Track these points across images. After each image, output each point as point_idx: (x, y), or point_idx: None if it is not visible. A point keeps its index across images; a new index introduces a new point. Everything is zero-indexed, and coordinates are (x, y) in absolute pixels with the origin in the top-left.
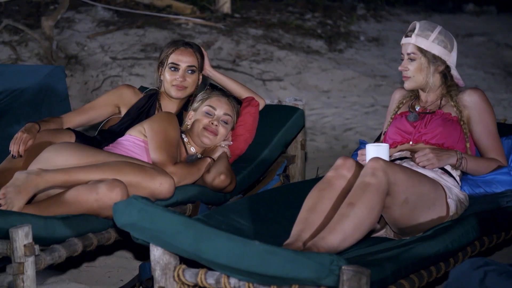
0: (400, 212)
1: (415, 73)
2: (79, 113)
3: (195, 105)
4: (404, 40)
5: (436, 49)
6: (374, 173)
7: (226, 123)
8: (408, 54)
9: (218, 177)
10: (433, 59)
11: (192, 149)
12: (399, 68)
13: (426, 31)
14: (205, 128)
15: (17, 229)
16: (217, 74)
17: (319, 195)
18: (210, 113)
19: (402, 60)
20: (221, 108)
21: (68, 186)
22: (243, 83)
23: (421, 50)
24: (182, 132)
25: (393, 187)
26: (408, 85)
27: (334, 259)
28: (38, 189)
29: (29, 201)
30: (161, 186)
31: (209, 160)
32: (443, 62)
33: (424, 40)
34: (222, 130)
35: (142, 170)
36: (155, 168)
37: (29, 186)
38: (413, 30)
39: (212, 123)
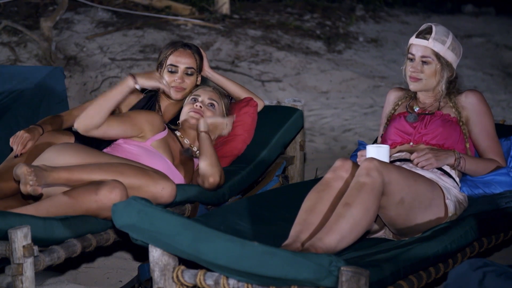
0: (397, 212)
1: (428, 76)
2: (78, 111)
3: (185, 101)
4: (418, 41)
5: (450, 56)
6: (368, 173)
7: (212, 107)
8: (424, 57)
9: (207, 181)
10: (446, 65)
11: (186, 141)
12: (410, 68)
13: (442, 36)
14: (190, 111)
15: (16, 230)
16: (216, 75)
17: (318, 196)
18: (195, 100)
19: (411, 60)
20: (205, 95)
21: (70, 185)
22: (242, 84)
23: (437, 55)
24: (175, 129)
25: (388, 187)
26: (415, 86)
27: (333, 260)
28: (46, 182)
29: (27, 199)
30: (163, 190)
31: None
32: (453, 69)
33: (441, 46)
34: (208, 114)
35: (145, 174)
36: (158, 172)
37: (40, 176)
38: (429, 33)
39: (196, 105)
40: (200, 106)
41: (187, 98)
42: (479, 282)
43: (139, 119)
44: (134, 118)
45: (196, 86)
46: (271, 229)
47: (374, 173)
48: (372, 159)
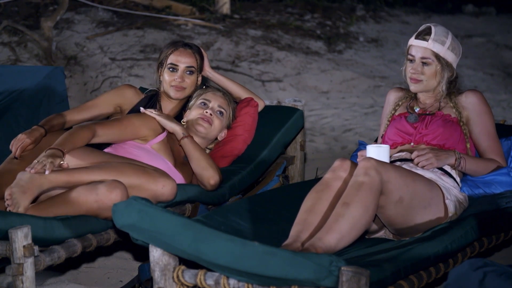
0: (396, 211)
1: (428, 77)
2: (80, 110)
3: (191, 102)
4: (417, 43)
5: (450, 56)
6: (366, 172)
7: (221, 114)
8: (424, 58)
9: (208, 184)
10: (446, 66)
11: None
12: (410, 70)
13: (442, 37)
14: (199, 118)
15: (17, 230)
16: (216, 75)
17: (317, 196)
18: (204, 104)
19: (410, 61)
20: (215, 101)
21: (70, 187)
22: (242, 84)
23: (436, 56)
24: None
25: (387, 186)
26: (416, 88)
27: (333, 260)
28: (42, 189)
29: (33, 202)
30: (163, 188)
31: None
32: (453, 69)
33: (440, 46)
34: (217, 121)
35: (145, 172)
36: (157, 170)
37: (33, 186)
38: (428, 34)
39: (206, 112)
40: (210, 114)
41: (195, 99)
42: (479, 282)
43: (137, 124)
44: (133, 124)
45: (197, 86)
46: (272, 229)
47: (372, 172)
48: (370, 158)
